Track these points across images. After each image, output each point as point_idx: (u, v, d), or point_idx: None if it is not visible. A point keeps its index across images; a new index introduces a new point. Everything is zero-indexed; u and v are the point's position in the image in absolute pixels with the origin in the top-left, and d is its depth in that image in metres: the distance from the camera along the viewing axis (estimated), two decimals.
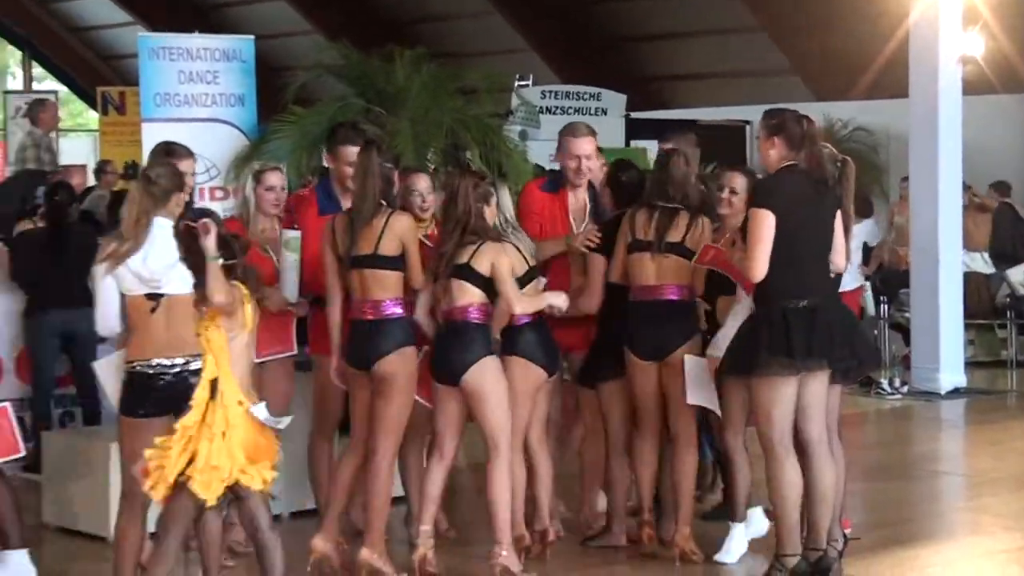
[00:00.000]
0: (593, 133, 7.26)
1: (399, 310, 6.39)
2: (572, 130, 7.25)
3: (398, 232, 6.35)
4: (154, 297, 5.77)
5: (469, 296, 6.37)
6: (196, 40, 9.72)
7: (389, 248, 6.34)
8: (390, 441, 6.38)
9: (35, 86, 27.07)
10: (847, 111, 17.44)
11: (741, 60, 18.84)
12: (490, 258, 6.37)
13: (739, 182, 6.75)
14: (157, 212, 5.82)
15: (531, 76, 18.21)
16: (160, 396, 5.72)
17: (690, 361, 6.73)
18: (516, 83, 17.22)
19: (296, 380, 7.11)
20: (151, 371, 5.72)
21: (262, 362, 6.70)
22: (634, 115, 18.13)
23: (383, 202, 6.39)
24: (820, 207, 6.23)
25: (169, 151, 6.60)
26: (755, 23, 18.11)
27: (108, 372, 6.21)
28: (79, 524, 7.40)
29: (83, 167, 12.22)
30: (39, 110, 11.95)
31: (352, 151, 6.82)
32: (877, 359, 8.23)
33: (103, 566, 6.98)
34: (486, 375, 6.35)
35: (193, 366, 5.69)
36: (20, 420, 8.99)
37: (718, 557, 6.79)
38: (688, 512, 6.82)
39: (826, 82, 18.12)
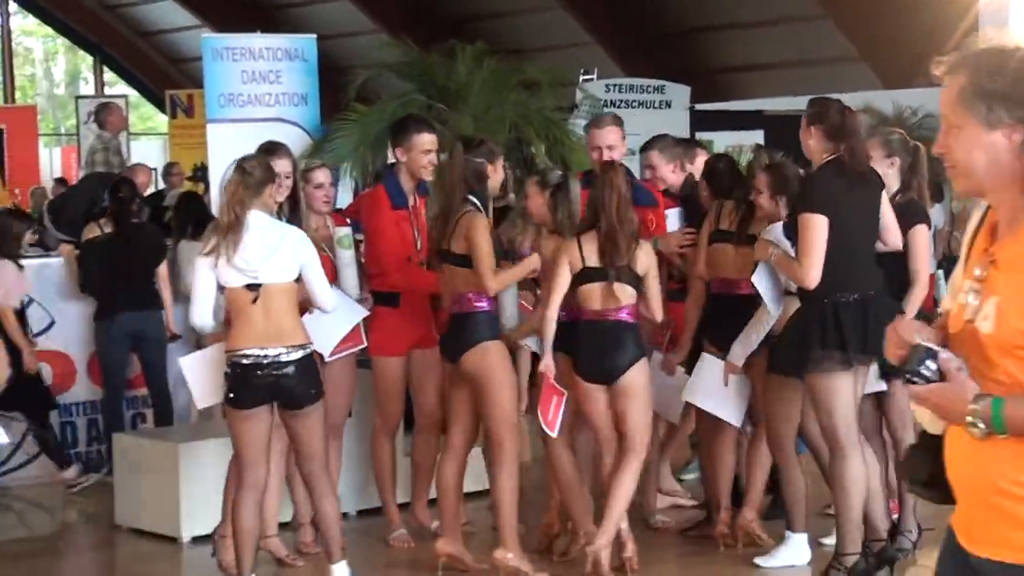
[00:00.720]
0: (619, 123, 7.11)
1: (481, 304, 6.35)
2: (596, 120, 7.22)
3: (463, 231, 6.31)
4: (254, 288, 5.85)
5: (628, 297, 6.36)
6: (258, 40, 9.78)
7: (459, 246, 6.31)
8: (508, 433, 6.30)
9: (106, 91, 27.40)
10: (916, 98, 17.20)
11: (806, 49, 18.66)
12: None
13: (761, 181, 6.63)
14: (252, 204, 5.88)
15: (595, 69, 18.14)
16: (261, 386, 5.82)
17: (708, 360, 6.65)
18: (580, 77, 17.16)
19: (359, 377, 7.12)
20: (252, 362, 5.80)
21: (332, 359, 6.74)
22: (699, 107, 18.01)
23: (469, 198, 6.36)
24: (864, 200, 6.13)
25: (269, 149, 6.62)
26: (819, 11, 17.94)
27: (195, 368, 6.30)
28: (151, 525, 7.43)
29: (147, 166, 12.28)
30: (105, 113, 12.07)
31: (427, 139, 6.82)
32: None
33: (175, 566, 7.08)
34: (642, 375, 6.36)
35: (292, 356, 5.80)
36: (93, 423, 9.21)
37: (759, 560, 6.65)
38: (756, 498, 6.81)
39: (894, 69, 17.90)
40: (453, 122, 9.48)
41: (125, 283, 8.82)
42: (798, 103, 18.39)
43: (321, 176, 7.01)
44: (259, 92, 9.59)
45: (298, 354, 5.83)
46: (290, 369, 5.80)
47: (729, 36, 19.41)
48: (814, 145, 6.09)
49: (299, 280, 5.97)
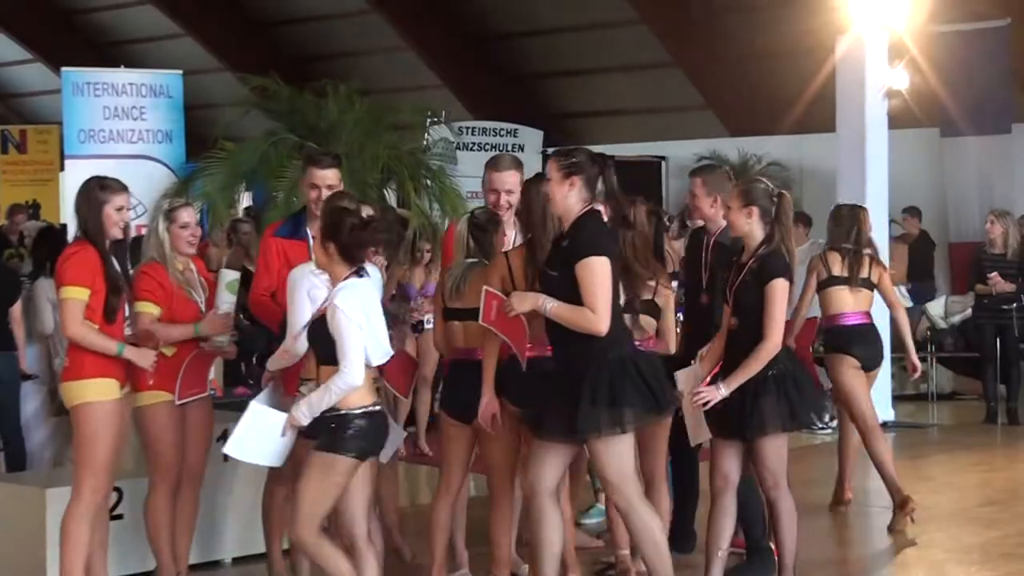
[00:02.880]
0: (519, 166, 6.96)
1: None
2: (495, 163, 6.94)
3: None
4: None
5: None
6: (122, 75, 9.57)
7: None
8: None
9: None
10: (761, 146, 17.58)
11: (655, 96, 18.93)
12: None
13: None
14: None
15: (443, 112, 18.15)
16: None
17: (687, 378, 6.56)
18: (428, 121, 17.12)
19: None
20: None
21: (183, 403, 6.56)
22: (551, 151, 18.11)
23: None
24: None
25: (103, 186, 6.36)
26: (670, 59, 18.22)
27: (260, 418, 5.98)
28: (13, 573, 7.09)
29: None
30: None
31: (319, 174, 6.68)
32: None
33: None
34: None
35: None
36: None
37: None
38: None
39: (739, 117, 18.26)
40: None
41: None
42: (648, 148, 18.83)
43: (186, 215, 6.71)
44: (122, 128, 9.37)
45: None
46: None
47: (580, 82, 19.59)
48: (575, 197, 5.84)
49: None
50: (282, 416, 5.77)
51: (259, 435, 5.87)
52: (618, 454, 5.85)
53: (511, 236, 6.81)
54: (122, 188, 6.37)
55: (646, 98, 19.00)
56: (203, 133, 10.57)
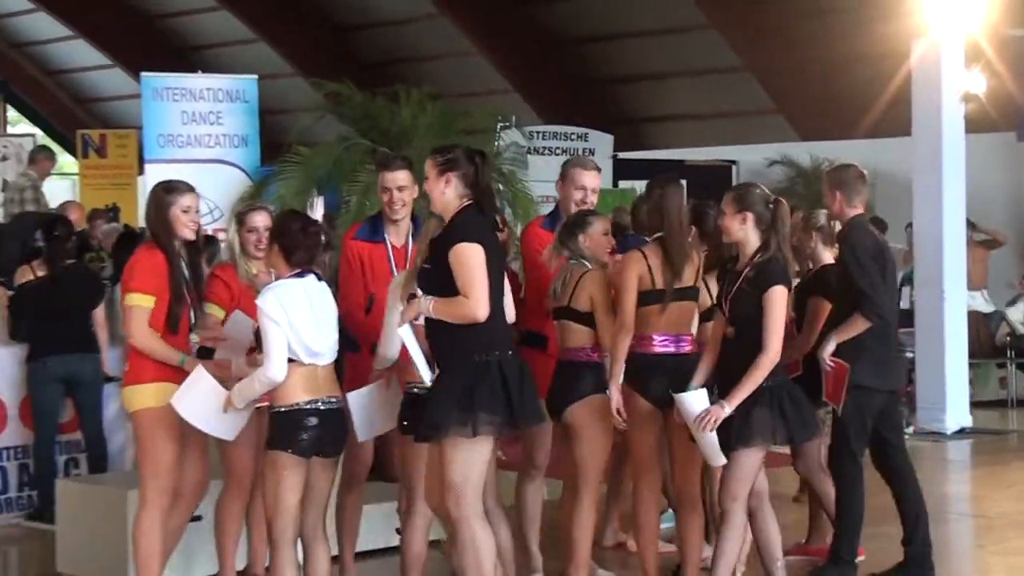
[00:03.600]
0: (599, 169, 7.27)
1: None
2: (582, 162, 7.27)
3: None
4: None
5: None
6: (199, 80, 9.65)
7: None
8: None
9: (10, 130, 26.86)
10: (833, 150, 17.46)
11: (726, 101, 18.89)
12: None
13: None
14: None
15: (513, 117, 18.19)
16: None
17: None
18: (499, 125, 17.17)
19: None
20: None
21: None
22: (621, 155, 18.11)
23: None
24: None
25: (168, 188, 6.41)
26: (740, 64, 18.17)
27: (360, 404, 6.28)
28: (95, 574, 7.19)
29: (79, 203, 12.03)
30: (42, 156, 11.80)
31: (386, 177, 6.74)
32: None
33: None
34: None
35: None
36: (24, 467, 8.93)
37: None
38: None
39: (810, 121, 18.17)
40: None
41: (59, 326, 8.58)
42: (719, 153, 18.82)
43: (257, 219, 6.70)
44: (199, 133, 9.46)
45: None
46: None
47: (651, 87, 19.59)
48: (451, 193, 5.81)
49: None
50: (224, 393, 5.98)
51: (204, 400, 6.06)
52: (464, 459, 5.70)
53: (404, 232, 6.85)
54: (188, 189, 6.36)
55: (717, 102, 18.96)
56: (276, 138, 10.66)
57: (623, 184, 17.17)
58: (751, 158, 17.78)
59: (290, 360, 5.78)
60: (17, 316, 8.71)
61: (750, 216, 6.16)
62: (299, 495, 5.85)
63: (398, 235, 6.85)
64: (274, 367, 5.75)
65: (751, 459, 6.11)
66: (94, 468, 8.77)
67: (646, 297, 6.28)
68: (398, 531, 7.15)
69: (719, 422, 6.00)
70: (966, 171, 12.11)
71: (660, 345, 6.32)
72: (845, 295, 6.80)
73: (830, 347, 6.70)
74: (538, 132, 17.83)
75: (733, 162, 18.39)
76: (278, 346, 5.75)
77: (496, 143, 14.36)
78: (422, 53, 21.15)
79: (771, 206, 6.17)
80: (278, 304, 5.78)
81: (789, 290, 6.17)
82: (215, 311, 6.55)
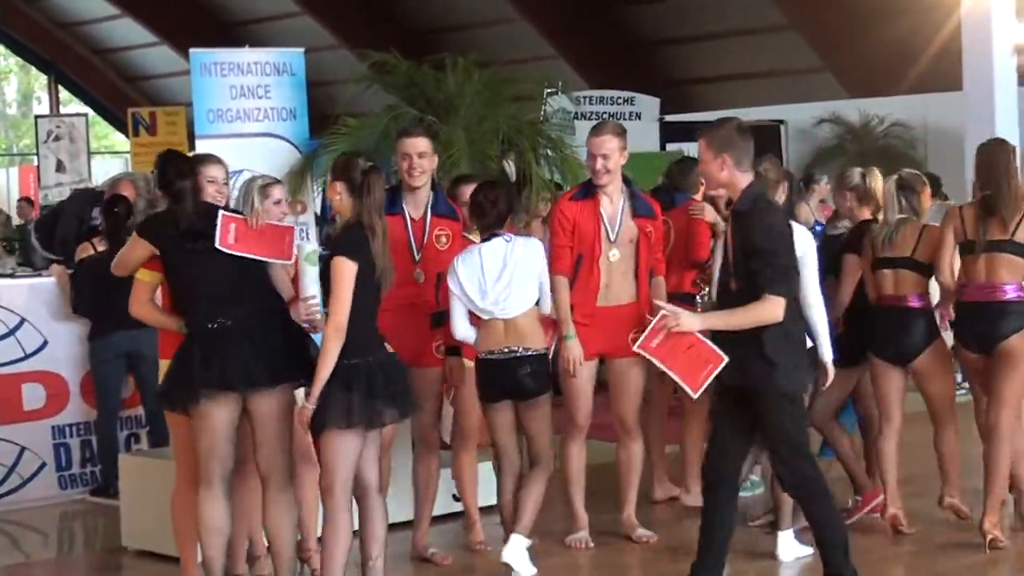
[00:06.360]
0: (618, 131, 7.05)
1: (1020, 294, 6.84)
2: (595, 129, 7.14)
3: None
4: None
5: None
6: (246, 55, 9.65)
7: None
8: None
9: (62, 109, 27.13)
10: (883, 107, 17.36)
11: (773, 60, 18.80)
12: None
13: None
14: None
15: (559, 83, 18.15)
16: (502, 381, 6.58)
17: None
18: (546, 91, 17.14)
19: None
20: (500, 358, 6.57)
21: None
22: (668, 118, 18.07)
23: None
24: None
25: (196, 158, 6.45)
26: (785, 22, 18.07)
27: None
28: (161, 547, 7.30)
29: (134, 180, 12.09)
30: None
31: (405, 143, 6.79)
32: None
33: None
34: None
35: (529, 354, 6.56)
36: (86, 443, 9.07)
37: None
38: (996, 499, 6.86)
39: (859, 79, 18.06)
40: (444, 134, 9.40)
41: (119, 302, 8.65)
42: (767, 113, 18.74)
43: (278, 192, 6.74)
44: (248, 107, 9.46)
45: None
46: (530, 366, 6.58)
47: (696, 48, 19.52)
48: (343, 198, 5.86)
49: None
50: None
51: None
52: (335, 450, 5.76)
53: (616, 202, 7.10)
54: (215, 161, 6.40)
55: (763, 62, 18.88)
56: (324, 110, 10.67)
57: (671, 147, 17.12)
58: (799, 117, 17.70)
59: None
60: (79, 289, 8.82)
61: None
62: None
63: (416, 206, 6.86)
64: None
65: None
66: (155, 443, 8.87)
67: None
68: (455, 497, 7.25)
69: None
70: (1020, 125, 12.03)
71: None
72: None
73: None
74: (585, 97, 17.80)
75: (781, 122, 18.28)
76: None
77: (543, 109, 14.37)
78: (466, 21, 21.16)
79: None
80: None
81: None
82: None
